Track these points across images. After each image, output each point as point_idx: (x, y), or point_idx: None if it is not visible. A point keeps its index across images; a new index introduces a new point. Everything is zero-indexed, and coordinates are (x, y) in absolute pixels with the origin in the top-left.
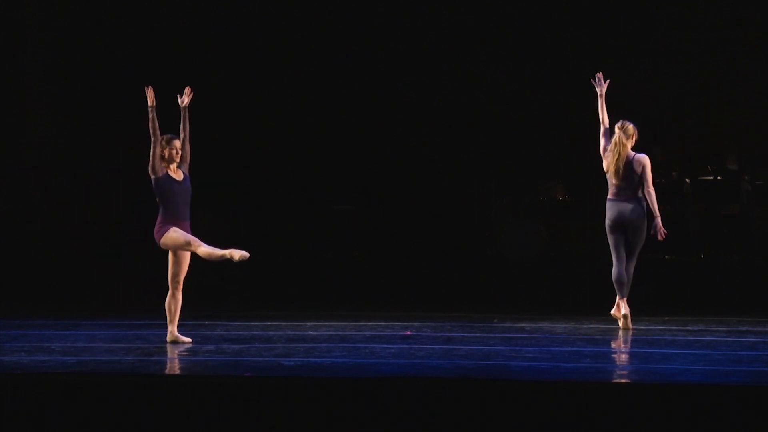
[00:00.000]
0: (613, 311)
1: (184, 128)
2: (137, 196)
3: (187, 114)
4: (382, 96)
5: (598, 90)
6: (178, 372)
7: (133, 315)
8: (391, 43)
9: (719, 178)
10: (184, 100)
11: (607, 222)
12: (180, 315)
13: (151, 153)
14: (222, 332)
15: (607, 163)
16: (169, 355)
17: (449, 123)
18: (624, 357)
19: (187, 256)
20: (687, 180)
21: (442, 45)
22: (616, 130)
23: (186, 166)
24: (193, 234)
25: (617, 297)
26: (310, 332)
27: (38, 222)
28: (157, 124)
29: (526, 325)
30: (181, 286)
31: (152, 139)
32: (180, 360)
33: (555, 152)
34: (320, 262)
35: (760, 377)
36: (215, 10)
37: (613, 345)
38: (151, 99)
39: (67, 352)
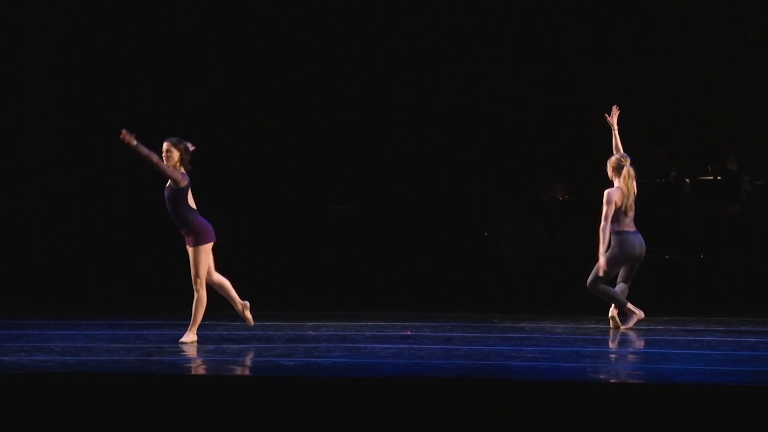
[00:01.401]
0: (613, 312)
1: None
2: (137, 197)
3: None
4: (382, 96)
5: (612, 122)
6: (178, 372)
7: (133, 315)
8: (391, 43)
9: (719, 178)
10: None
11: (629, 254)
12: (180, 315)
13: (169, 173)
14: (222, 332)
15: (621, 198)
16: (168, 355)
17: (449, 123)
18: (624, 357)
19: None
20: (687, 180)
21: (442, 45)
22: (616, 161)
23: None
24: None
25: (618, 306)
26: (310, 332)
27: (38, 222)
28: (147, 152)
29: (526, 325)
30: (224, 281)
31: (157, 163)
32: (180, 360)
33: (555, 152)
34: (320, 262)
35: (760, 377)
36: (215, 10)
37: (613, 345)
38: (128, 140)
39: (67, 352)
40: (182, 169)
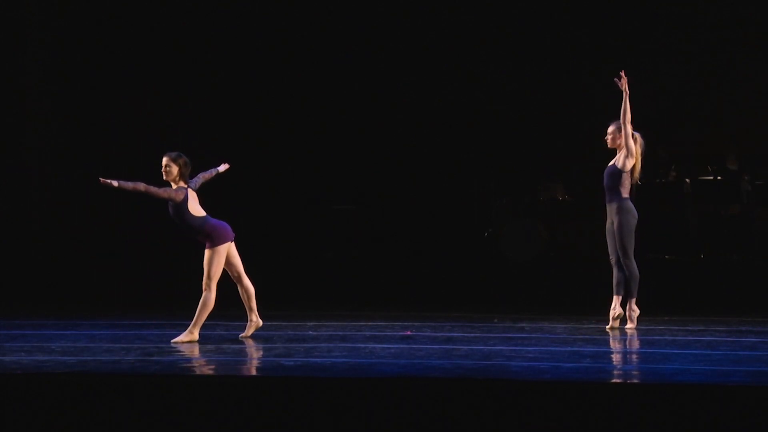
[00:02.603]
0: (617, 312)
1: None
2: (137, 197)
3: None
4: (382, 96)
5: (623, 87)
6: (178, 372)
7: (133, 315)
8: (391, 43)
9: (719, 178)
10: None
11: (636, 222)
12: (180, 315)
13: (162, 195)
14: (222, 332)
15: (633, 165)
16: (168, 355)
17: (449, 123)
18: (624, 357)
19: (235, 250)
20: (687, 180)
21: (442, 45)
22: (633, 130)
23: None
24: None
25: (619, 297)
26: (310, 332)
27: (38, 222)
28: (132, 185)
29: (526, 325)
30: (251, 288)
31: (146, 191)
32: (180, 360)
33: (555, 152)
34: (320, 262)
35: (760, 377)
36: (215, 10)
37: (613, 345)
38: (109, 184)
39: (67, 352)
40: (181, 183)
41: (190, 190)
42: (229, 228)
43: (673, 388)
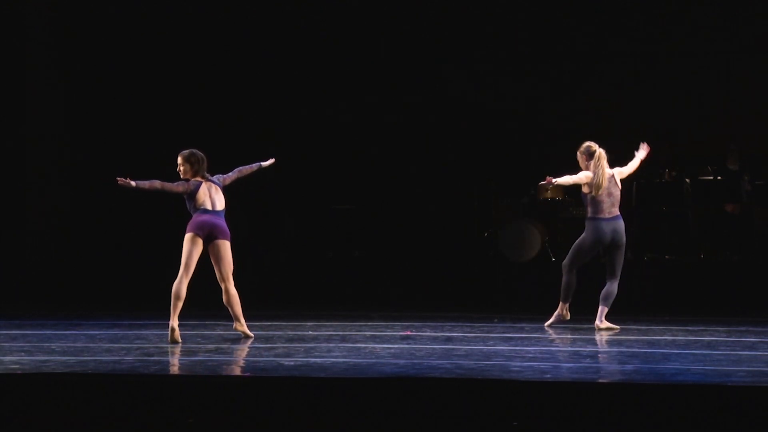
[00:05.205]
0: (603, 323)
1: (244, 171)
2: (138, 196)
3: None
4: (383, 96)
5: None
6: (178, 372)
7: (133, 315)
8: (393, 42)
9: (719, 178)
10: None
11: (600, 242)
12: (182, 313)
13: (178, 190)
14: (222, 332)
15: (593, 183)
16: (168, 355)
17: (450, 123)
18: (624, 357)
19: (220, 252)
20: (687, 180)
21: (443, 44)
22: (586, 148)
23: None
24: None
25: (603, 309)
26: (310, 332)
27: (38, 222)
28: (149, 184)
29: (526, 325)
30: (230, 283)
31: (162, 188)
32: (180, 360)
33: (554, 152)
34: (320, 262)
35: (760, 377)
36: (216, 11)
37: (613, 345)
38: (127, 184)
39: (67, 352)
40: (199, 178)
41: (207, 183)
42: (203, 222)
43: (673, 388)
